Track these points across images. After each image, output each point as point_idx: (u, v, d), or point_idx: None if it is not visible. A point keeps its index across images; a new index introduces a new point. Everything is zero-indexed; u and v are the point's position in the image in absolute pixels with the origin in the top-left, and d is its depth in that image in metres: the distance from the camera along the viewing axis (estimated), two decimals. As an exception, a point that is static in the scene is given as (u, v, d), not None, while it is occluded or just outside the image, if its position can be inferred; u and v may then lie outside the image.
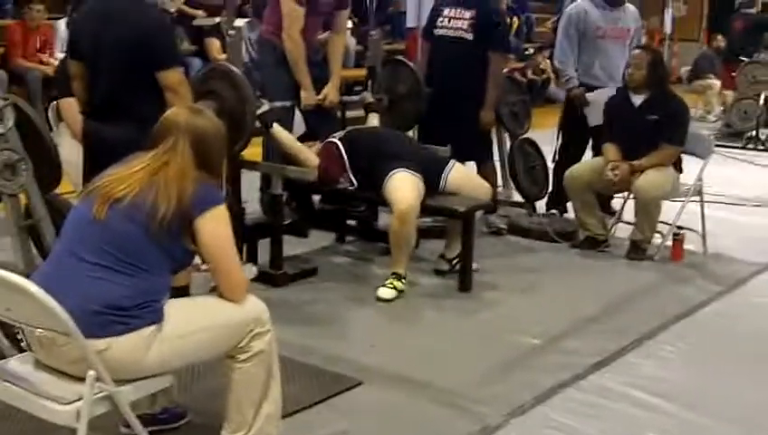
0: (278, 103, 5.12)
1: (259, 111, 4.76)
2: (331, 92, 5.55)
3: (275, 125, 4.97)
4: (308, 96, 5.41)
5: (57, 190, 4.48)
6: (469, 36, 5.89)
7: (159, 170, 2.73)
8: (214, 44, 10.46)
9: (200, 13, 11.12)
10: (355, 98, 6.02)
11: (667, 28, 15.20)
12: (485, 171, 6.09)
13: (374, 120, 5.70)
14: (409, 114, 5.90)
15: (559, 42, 6.54)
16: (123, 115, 3.91)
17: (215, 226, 2.75)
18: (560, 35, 6.53)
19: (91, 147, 4.08)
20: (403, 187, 4.76)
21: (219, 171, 2.93)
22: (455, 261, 5.23)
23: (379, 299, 4.75)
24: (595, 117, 6.14)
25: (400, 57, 6.47)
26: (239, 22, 9.57)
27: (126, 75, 3.91)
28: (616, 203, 6.43)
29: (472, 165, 6.07)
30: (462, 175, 5.15)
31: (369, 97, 5.80)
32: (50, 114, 5.69)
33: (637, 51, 5.86)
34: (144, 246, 2.67)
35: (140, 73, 3.88)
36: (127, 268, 2.65)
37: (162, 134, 2.84)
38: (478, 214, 5.27)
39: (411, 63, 6.10)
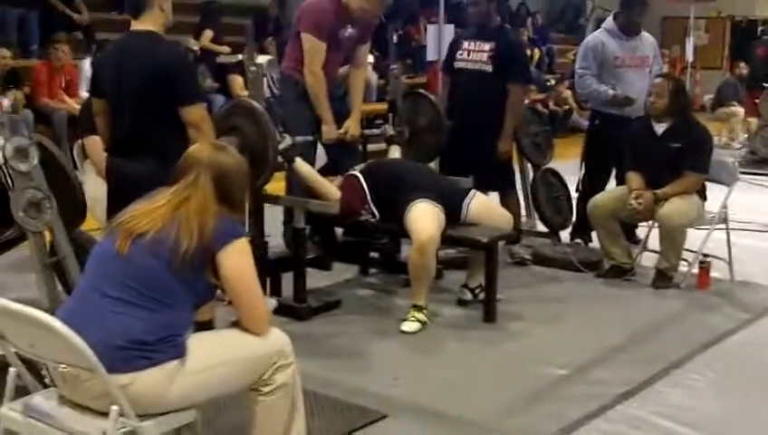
0: (300, 138, 5.14)
1: (281, 147, 4.78)
2: (352, 126, 5.57)
3: (297, 159, 4.99)
4: (329, 130, 5.43)
5: (82, 227, 4.51)
6: (489, 68, 5.93)
7: (181, 205, 2.75)
8: (237, 81, 10.55)
9: (225, 48, 11.23)
10: (376, 131, 6.05)
11: (689, 56, 15.16)
12: (508, 202, 6.09)
13: (395, 153, 5.72)
14: (430, 147, 5.92)
15: (577, 71, 6.55)
16: (146, 151, 3.94)
17: (236, 259, 2.76)
18: (578, 65, 6.55)
19: (115, 183, 4.12)
20: (423, 217, 4.75)
21: (241, 207, 2.95)
22: (477, 290, 5.22)
23: (403, 332, 4.73)
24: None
25: (421, 90, 6.48)
26: (261, 58, 9.64)
27: (148, 112, 3.94)
28: (641, 232, 6.40)
29: (495, 196, 6.07)
30: (483, 205, 5.14)
31: (390, 130, 5.81)
32: (75, 152, 5.76)
33: (658, 79, 5.84)
34: (167, 281, 2.68)
35: (163, 110, 3.92)
36: (150, 303, 2.66)
37: (184, 170, 2.86)
38: (501, 244, 5.25)
39: (431, 96, 6.12)
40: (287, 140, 4.89)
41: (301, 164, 5.02)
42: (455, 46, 6.23)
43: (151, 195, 2.85)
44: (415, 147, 5.87)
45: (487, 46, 5.96)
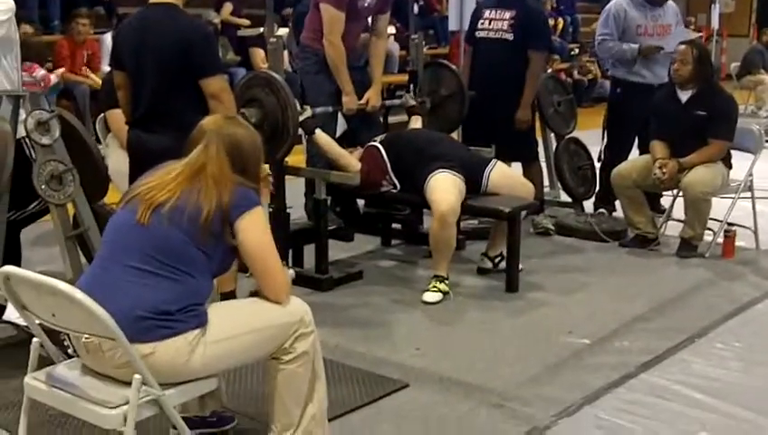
0: (320, 109, 5.12)
1: (301, 118, 4.77)
2: (372, 96, 5.51)
3: (317, 131, 4.98)
4: (349, 101, 5.38)
5: (105, 200, 4.53)
6: (510, 37, 5.90)
7: (198, 173, 2.75)
8: (258, 54, 10.54)
9: (245, 21, 11.20)
10: (397, 101, 6.01)
11: (715, 24, 14.99)
12: (531, 171, 6.06)
13: (416, 124, 5.68)
14: (452, 117, 5.88)
15: (598, 37, 6.51)
16: (167, 124, 3.93)
17: (253, 227, 2.76)
18: (599, 31, 6.51)
19: (136, 156, 4.12)
20: (443, 187, 4.74)
21: (255, 177, 2.92)
22: (498, 259, 5.22)
23: (425, 303, 4.74)
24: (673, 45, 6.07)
25: (442, 60, 6.40)
26: (281, 31, 9.63)
27: (168, 84, 3.93)
28: (665, 201, 6.36)
29: (517, 167, 6.04)
30: (504, 174, 5.12)
31: (410, 100, 5.77)
32: (98, 126, 5.77)
33: (681, 46, 5.76)
34: (186, 250, 2.69)
35: (183, 82, 3.91)
36: (170, 273, 2.66)
37: (196, 140, 2.86)
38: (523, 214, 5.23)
39: (453, 66, 6.07)
40: (307, 111, 4.89)
41: (320, 135, 5.00)
42: (476, 16, 6.19)
43: (164, 165, 2.85)
44: (436, 117, 5.84)
45: (508, 15, 5.92)
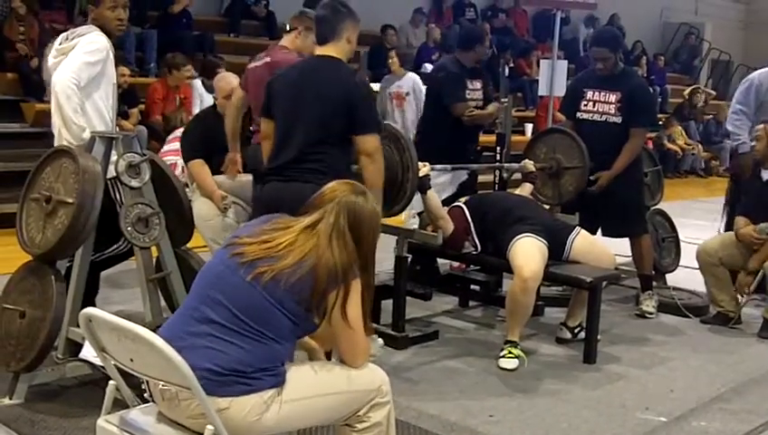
0: (439, 167, 5.13)
1: (421, 174, 4.71)
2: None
3: (430, 191, 4.92)
4: None
5: (189, 245, 4.58)
6: (617, 119, 5.71)
7: (306, 244, 2.70)
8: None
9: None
10: (515, 165, 5.87)
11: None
12: (641, 245, 5.91)
13: (525, 191, 5.55)
14: (567, 189, 5.76)
15: (734, 105, 6.45)
16: (310, 173, 3.88)
17: (348, 304, 2.71)
18: (736, 98, 6.45)
19: (268, 204, 3.85)
20: (527, 252, 4.70)
21: (370, 253, 2.84)
22: (577, 330, 5.13)
23: (501, 369, 4.68)
24: None
25: (566, 129, 5.98)
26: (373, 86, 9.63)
27: (323, 136, 3.93)
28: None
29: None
30: (587, 242, 5.04)
31: (530, 166, 5.62)
32: (186, 171, 5.86)
33: (759, 125, 5.79)
34: (275, 317, 2.65)
35: (337, 135, 3.92)
36: (254, 335, 2.63)
37: (317, 206, 2.81)
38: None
39: (577, 136, 5.76)
40: (426, 168, 4.84)
41: (432, 195, 4.96)
42: (576, 94, 5.96)
43: (272, 219, 2.82)
44: (550, 187, 5.78)
45: (614, 97, 5.72)
